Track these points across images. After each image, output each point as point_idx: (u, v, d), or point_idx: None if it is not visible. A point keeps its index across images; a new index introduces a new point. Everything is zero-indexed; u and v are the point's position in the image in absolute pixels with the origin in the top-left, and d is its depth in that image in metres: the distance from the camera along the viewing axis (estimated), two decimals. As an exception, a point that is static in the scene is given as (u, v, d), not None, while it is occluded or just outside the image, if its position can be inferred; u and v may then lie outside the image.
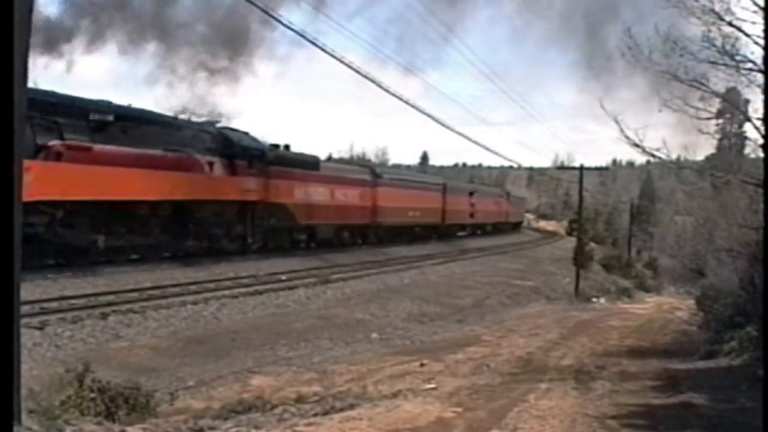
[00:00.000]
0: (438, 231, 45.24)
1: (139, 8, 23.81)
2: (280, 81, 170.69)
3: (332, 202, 31.72)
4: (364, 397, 9.39)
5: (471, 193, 53.18)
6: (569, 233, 64.04)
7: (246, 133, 27.01)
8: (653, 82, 11.25)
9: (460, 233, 51.39)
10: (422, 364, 12.20)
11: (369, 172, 37.88)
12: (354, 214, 34.01)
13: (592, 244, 48.53)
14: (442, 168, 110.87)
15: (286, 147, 30.70)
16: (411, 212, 40.15)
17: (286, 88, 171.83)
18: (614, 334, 17.83)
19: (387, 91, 17.15)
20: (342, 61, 14.11)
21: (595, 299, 30.63)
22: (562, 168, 71.09)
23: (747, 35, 9.46)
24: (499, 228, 60.07)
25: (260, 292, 19.54)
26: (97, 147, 19.18)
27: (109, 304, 15.67)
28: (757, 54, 9.28)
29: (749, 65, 9.66)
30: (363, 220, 35.28)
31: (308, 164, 30.53)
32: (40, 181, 15.60)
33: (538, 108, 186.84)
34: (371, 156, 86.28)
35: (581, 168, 37.11)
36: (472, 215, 52.24)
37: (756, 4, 9.08)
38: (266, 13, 11.06)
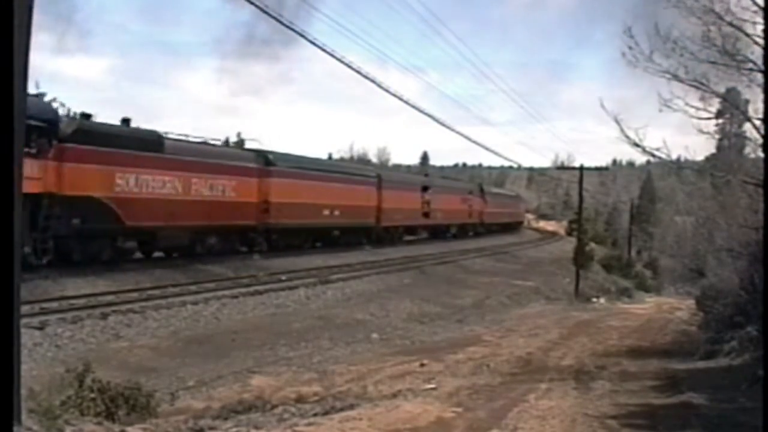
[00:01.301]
0: (372, 235, 36.85)
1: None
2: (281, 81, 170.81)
3: (187, 197, 23.20)
4: (364, 397, 9.39)
5: (425, 188, 44.63)
6: (569, 233, 64.05)
7: (38, 96, 18.66)
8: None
9: (410, 237, 42.89)
10: (422, 364, 12.19)
11: (255, 158, 28.09)
12: (229, 214, 25.17)
13: (592, 244, 48.54)
14: (442, 168, 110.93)
15: (126, 122, 22.65)
16: (327, 210, 31.92)
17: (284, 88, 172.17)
18: (614, 334, 17.82)
19: (387, 91, 17.13)
20: (342, 61, 14.10)
21: (595, 299, 30.60)
22: (562, 168, 71.02)
23: (747, 35, 9.46)
24: (466, 231, 51.81)
25: (260, 292, 19.55)
26: None
27: (109, 304, 15.69)
28: (757, 54, 9.29)
29: (749, 65, 9.66)
30: (247, 220, 26.60)
31: (142, 143, 21.86)
32: None
33: (538, 108, 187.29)
34: (371, 156, 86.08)
35: (581, 168, 37.10)
36: (426, 215, 43.77)
37: (756, 4, 9.08)
38: (266, 13, 11.06)
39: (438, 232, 46.97)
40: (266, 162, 28.33)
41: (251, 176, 27.14)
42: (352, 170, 39.39)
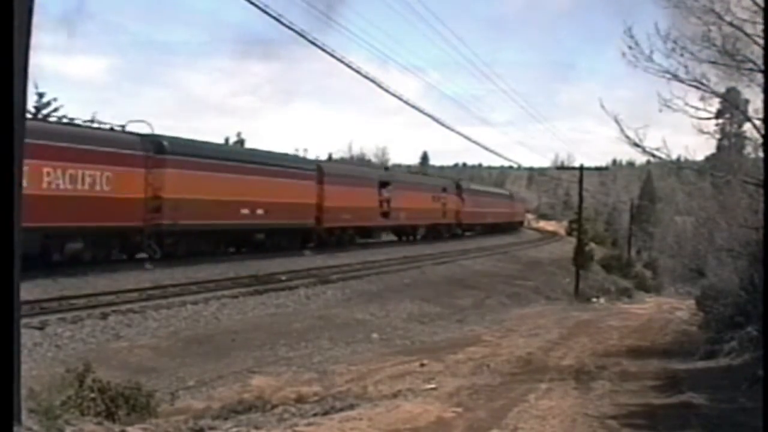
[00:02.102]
0: (312, 237, 32.09)
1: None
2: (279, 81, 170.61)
3: (36, 190, 16.97)
4: (364, 397, 9.39)
5: (384, 184, 39.02)
6: (569, 233, 64.07)
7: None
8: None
9: (365, 240, 37.61)
10: (422, 364, 12.19)
11: (141, 144, 22.38)
12: (101, 212, 20.22)
13: (592, 244, 48.60)
14: (442, 168, 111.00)
15: None
16: (246, 209, 26.43)
17: (284, 88, 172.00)
18: (614, 334, 17.81)
19: (387, 91, 17.12)
20: (342, 61, 14.10)
21: (595, 299, 30.63)
22: (562, 168, 71.10)
23: (747, 35, 9.46)
24: (440, 233, 45.99)
25: (260, 292, 19.55)
26: None
27: (109, 304, 15.69)
28: (757, 54, 9.29)
29: (749, 65, 9.66)
30: (128, 221, 21.52)
31: None
32: None
33: (538, 108, 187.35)
34: (371, 156, 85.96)
35: (581, 168, 37.13)
36: (386, 215, 38.64)
37: (756, 4, 9.08)
38: (266, 12, 11.06)
39: (402, 235, 42.71)
40: (158, 149, 22.75)
41: (135, 166, 21.78)
42: (281, 161, 31.13)
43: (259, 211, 27.15)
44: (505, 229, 62.82)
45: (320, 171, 32.88)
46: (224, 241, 26.90)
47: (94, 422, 6.58)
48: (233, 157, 27.83)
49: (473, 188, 56.62)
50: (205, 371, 12.05)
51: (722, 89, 11.18)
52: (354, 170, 39.22)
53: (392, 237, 43.08)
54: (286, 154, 35.62)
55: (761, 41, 8.89)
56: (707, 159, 18.07)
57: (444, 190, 47.67)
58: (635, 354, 13.91)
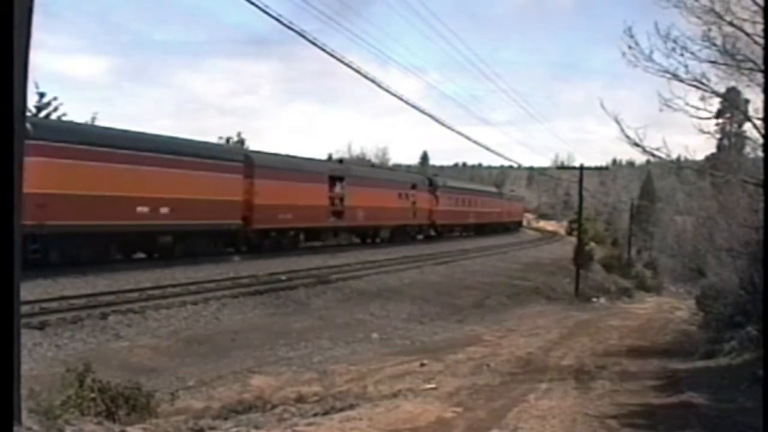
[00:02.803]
0: (240, 239, 27.37)
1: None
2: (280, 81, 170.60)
3: None
4: (364, 397, 9.39)
5: (336, 179, 34.09)
6: (569, 233, 64.11)
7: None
8: None
9: (309, 244, 32.41)
10: (422, 364, 12.20)
11: None
12: None
13: (592, 244, 48.59)
14: (442, 168, 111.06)
15: None
16: (145, 207, 22.07)
17: (284, 88, 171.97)
18: (614, 334, 17.83)
19: (387, 91, 17.09)
20: (342, 61, 14.07)
21: (595, 299, 30.64)
22: (562, 168, 71.24)
23: (747, 35, 9.47)
24: (409, 234, 41.62)
25: (260, 292, 19.55)
26: None
27: (109, 304, 15.68)
28: (757, 53, 9.29)
29: (749, 65, 9.66)
30: None
31: None
32: None
33: (538, 108, 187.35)
34: (371, 156, 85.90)
35: (581, 168, 37.13)
36: (339, 214, 33.78)
37: (756, 4, 9.09)
38: (266, 12, 11.04)
39: (363, 237, 38.02)
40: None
41: None
42: (196, 149, 25.51)
43: (164, 210, 22.78)
44: (496, 231, 58.56)
45: (249, 162, 27.32)
46: (116, 244, 22.43)
47: (94, 422, 6.58)
48: (123, 144, 21.67)
49: (451, 185, 50.53)
50: (205, 371, 12.05)
51: (722, 89, 11.18)
52: (296, 162, 31.67)
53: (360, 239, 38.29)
54: (206, 143, 29.60)
55: (761, 41, 8.89)
56: (707, 159, 18.08)
57: (413, 186, 42.50)
58: (635, 354, 13.92)
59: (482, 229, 55.92)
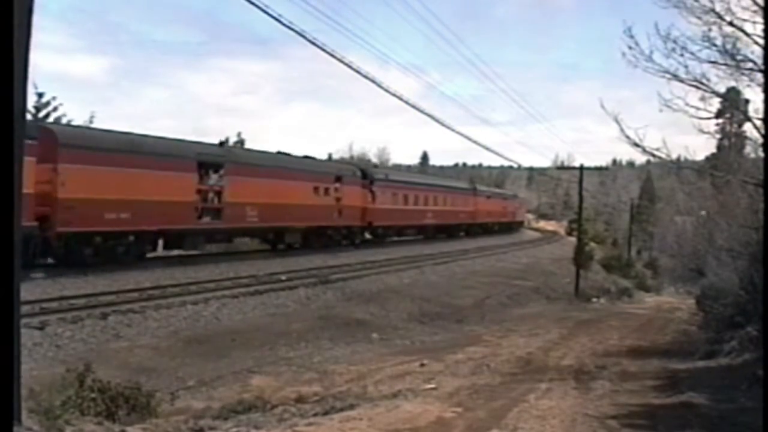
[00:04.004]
0: (37, 248, 18.14)
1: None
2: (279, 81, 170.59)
3: None
4: (364, 397, 9.39)
5: (208, 167, 25.22)
6: (569, 233, 64.12)
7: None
8: None
9: (173, 253, 25.33)
10: (422, 364, 12.20)
11: None
12: None
13: (592, 244, 48.58)
14: (442, 168, 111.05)
15: None
16: None
17: (284, 88, 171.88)
18: (614, 334, 17.82)
19: (387, 91, 17.10)
20: (342, 61, 14.09)
21: (595, 299, 30.65)
22: (562, 168, 71.24)
23: (747, 35, 9.48)
24: (332, 239, 33.01)
25: (260, 292, 19.54)
26: None
27: (109, 304, 15.69)
28: (757, 54, 9.30)
29: (749, 65, 9.67)
30: None
31: None
32: None
33: (538, 108, 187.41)
34: (371, 156, 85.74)
35: (581, 168, 37.13)
36: (216, 211, 25.37)
37: (756, 4, 9.09)
38: (266, 12, 11.06)
39: (269, 241, 30.22)
40: None
41: None
42: None
43: None
44: (474, 233, 51.05)
45: (48, 139, 18.65)
46: None
47: (94, 422, 6.59)
48: None
49: (394, 178, 40.91)
50: (205, 371, 12.05)
51: (722, 89, 11.18)
52: (136, 142, 22.48)
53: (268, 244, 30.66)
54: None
55: (761, 41, 8.90)
56: (707, 159, 18.09)
57: (338, 179, 33.56)
58: (635, 354, 13.92)
59: (448, 232, 47.20)
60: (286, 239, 30.26)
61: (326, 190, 32.35)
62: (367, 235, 36.94)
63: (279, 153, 32.21)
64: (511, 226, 64.33)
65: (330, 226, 32.69)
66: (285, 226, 29.62)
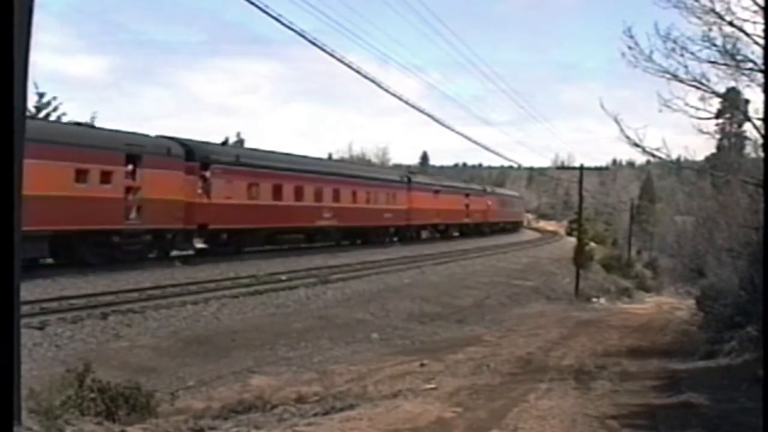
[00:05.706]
0: None
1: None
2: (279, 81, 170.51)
3: None
4: (364, 397, 9.39)
5: (134, 158, 22.05)
6: (569, 233, 64.10)
7: None
8: None
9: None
10: (422, 364, 12.19)
11: None
12: None
13: (592, 244, 48.56)
14: (442, 168, 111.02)
15: None
16: None
17: (284, 88, 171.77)
18: (614, 334, 17.82)
19: (387, 91, 17.08)
20: (342, 61, 14.07)
21: (595, 299, 30.63)
22: (562, 168, 71.19)
23: (747, 35, 9.49)
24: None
25: (260, 292, 19.54)
26: None
27: (109, 304, 15.69)
28: (757, 54, 9.31)
29: (749, 65, 9.68)
30: None
31: None
32: None
33: (538, 108, 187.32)
34: (371, 156, 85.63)
35: (581, 168, 37.13)
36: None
37: (756, 4, 9.10)
38: (266, 12, 11.05)
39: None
40: None
41: None
42: None
43: None
44: (407, 236, 41.34)
45: None
46: None
47: (94, 422, 6.59)
48: None
49: (252, 162, 28.46)
50: (205, 371, 12.05)
51: (722, 89, 11.20)
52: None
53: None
54: None
55: (761, 41, 8.91)
56: (707, 159, 18.08)
57: (132, 159, 22.29)
58: (635, 354, 13.91)
59: (364, 237, 37.58)
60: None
61: (105, 174, 21.29)
62: (199, 245, 25.56)
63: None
64: (480, 227, 50.44)
65: (115, 230, 21.69)
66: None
